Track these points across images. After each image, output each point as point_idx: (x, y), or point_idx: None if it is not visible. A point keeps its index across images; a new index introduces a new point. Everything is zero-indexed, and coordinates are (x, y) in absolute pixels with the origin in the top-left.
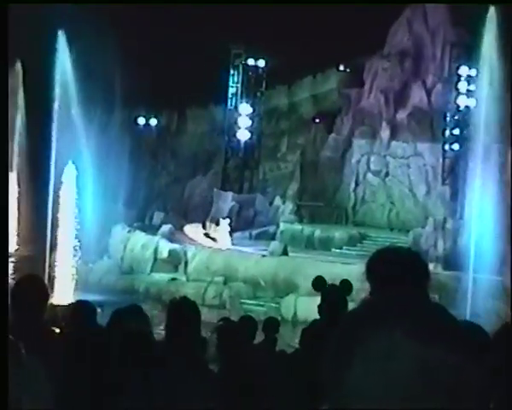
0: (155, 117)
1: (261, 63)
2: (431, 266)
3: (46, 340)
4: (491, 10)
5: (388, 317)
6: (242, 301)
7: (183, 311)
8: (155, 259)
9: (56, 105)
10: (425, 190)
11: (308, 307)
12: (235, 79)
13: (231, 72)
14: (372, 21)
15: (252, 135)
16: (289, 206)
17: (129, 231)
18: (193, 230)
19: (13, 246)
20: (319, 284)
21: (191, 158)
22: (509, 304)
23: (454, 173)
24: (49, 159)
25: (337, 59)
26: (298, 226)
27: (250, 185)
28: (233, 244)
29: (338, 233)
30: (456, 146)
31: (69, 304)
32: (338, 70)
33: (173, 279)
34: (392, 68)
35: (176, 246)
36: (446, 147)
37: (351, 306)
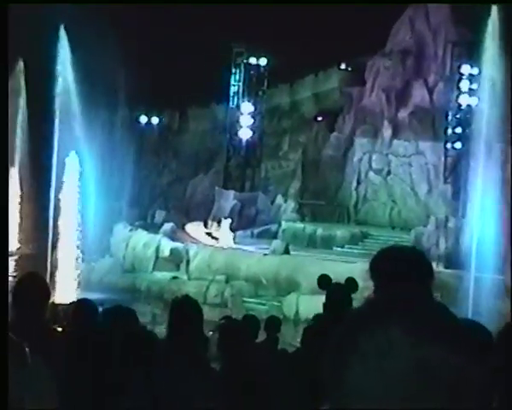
0: (157, 116)
1: (263, 62)
2: (433, 265)
3: (48, 338)
4: (493, 9)
5: (390, 316)
6: (244, 299)
7: (185, 309)
8: (157, 257)
9: (58, 104)
10: (427, 188)
11: (310, 305)
12: (237, 78)
13: (233, 70)
14: (374, 20)
15: (253, 133)
16: (291, 204)
17: (131, 230)
18: (195, 228)
19: (14, 244)
20: (324, 282)
21: (193, 157)
22: (511, 303)
23: (456, 172)
24: (50, 157)
25: (339, 57)
26: (300, 225)
27: (252, 184)
28: (235, 243)
29: (340, 232)
30: (457, 145)
31: (71, 303)
32: (340, 69)
33: (175, 278)
34: (394, 67)
35: (178, 244)
36: (448, 145)
37: (354, 304)
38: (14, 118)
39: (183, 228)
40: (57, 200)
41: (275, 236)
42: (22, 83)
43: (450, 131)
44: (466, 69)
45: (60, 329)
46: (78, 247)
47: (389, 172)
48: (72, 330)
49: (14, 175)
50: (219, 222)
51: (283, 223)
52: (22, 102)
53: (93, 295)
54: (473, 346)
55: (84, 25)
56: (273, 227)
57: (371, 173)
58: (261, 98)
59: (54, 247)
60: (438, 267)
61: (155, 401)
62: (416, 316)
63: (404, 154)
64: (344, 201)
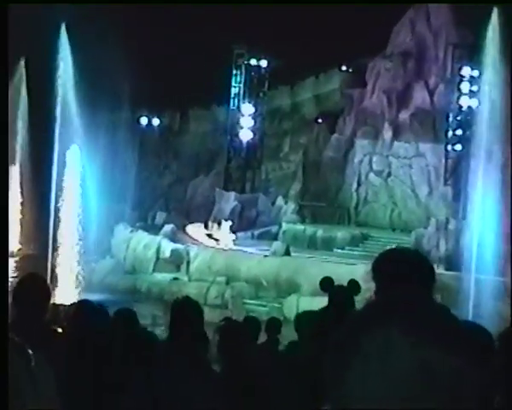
0: (158, 117)
1: (264, 63)
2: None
3: (48, 339)
4: (494, 11)
5: (392, 317)
6: (245, 301)
7: (185, 311)
8: (157, 258)
9: (59, 105)
10: (427, 190)
11: (310, 307)
12: (238, 79)
13: (234, 72)
14: (375, 22)
15: (254, 135)
16: (291, 206)
17: (131, 231)
18: (195, 230)
19: (15, 245)
20: (326, 284)
21: (193, 158)
22: (511, 304)
23: (456, 174)
24: (51, 157)
25: (340, 59)
26: (300, 226)
27: (252, 185)
28: (235, 244)
29: (340, 233)
30: (458, 147)
31: (71, 304)
32: (340, 70)
33: (175, 279)
34: (395, 69)
35: (178, 246)
36: (449, 147)
37: (356, 306)
38: (14, 117)
39: (184, 229)
40: (58, 201)
41: (275, 237)
42: (23, 82)
43: (450, 133)
44: (467, 71)
45: (60, 330)
46: (78, 248)
47: (390, 174)
48: (72, 331)
49: (14, 175)
50: (220, 223)
51: (284, 224)
52: (23, 101)
53: (93, 296)
54: (473, 348)
55: (84, 25)
56: (273, 229)
57: (372, 175)
58: (262, 100)
59: (54, 248)
60: (438, 269)
61: (156, 402)
62: (417, 318)
63: (404, 155)
64: (344, 202)
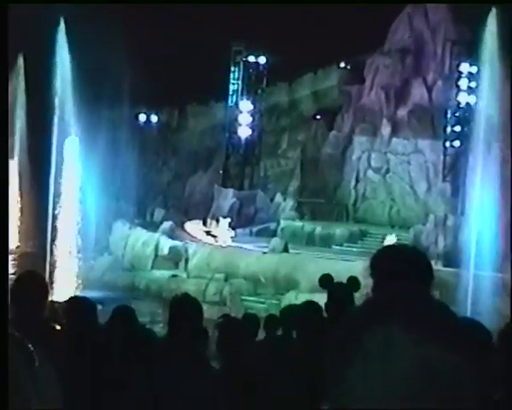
0: (156, 114)
1: (262, 60)
2: (431, 263)
3: (47, 337)
4: (493, 7)
5: (390, 314)
6: (243, 297)
7: (184, 307)
8: (156, 256)
9: (57, 101)
10: (426, 186)
11: None
12: (236, 76)
13: (232, 69)
14: (373, 18)
15: (252, 132)
16: (290, 203)
17: (130, 228)
18: (194, 227)
19: (14, 243)
20: (326, 281)
21: (192, 155)
22: (510, 301)
23: (455, 170)
24: (49, 154)
25: (338, 56)
26: (299, 223)
27: (251, 182)
28: (234, 241)
29: (339, 230)
30: (456, 143)
31: (66, 300)
32: (339, 67)
33: (174, 276)
34: (393, 65)
35: (176, 243)
36: (447, 144)
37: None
38: (13, 114)
39: (182, 226)
40: (56, 198)
41: (274, 234)
42: (22, 78)
43: (449, 129)
44: (465, 67)
45: (59, 327)
46: (77, 245)
47: (388, 171)
48: (70, 328)
49: (13, 172)
50: (218, 220)
51: (282, 221)
52: (21, 97)
53: (92, 294)
54: (472, 344)
55: (83, 22)
56: (272, 225)
57: (370, 172)
58: (260, 96)
59: (53, 245)
60: (437, 265)
61: (156, 399)
62: (416, 315)
63: (403, 152)
64: (343, 199)
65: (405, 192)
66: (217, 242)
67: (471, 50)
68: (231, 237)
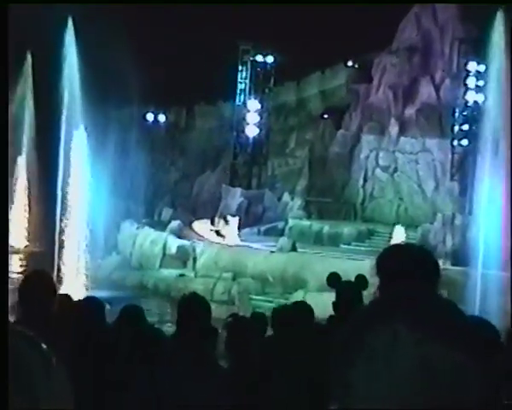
0: (164, 113)
1: (269, 59)
2: (439, 262)
3: (54, 336)
4: (500, 6)
5: (395, 314)
6: (251, 297)
7: (192, 306)
8: (164, 255)
9: (65, 101)
10: (434, 185)
11: (317, 302)
12: (244, 75)
13: (240, 68)
14: (381, 17)
15: (260, 131)
16: (298, 202)
17: (138, 228)
18: (201, 226)
19: (22, 242)
20: (334, 279)
21: (200, 154)
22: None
23: (463, 169)
24: (57, 154)
25: (345, 55)
26: (306, 222)
27: (258, 181)
28: (241, 240)
29: (346, 229)
30: (464, 142)
31: (77, 300)
32: (346, 66)
33: (182, 275)
34: (401, 64)
35: (184, 242)
36: (455, 142)
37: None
38: (21, 113)
39: (190, 226)
40: (64, 198)
41: (282, 233)
42: (30, 77)
43: (456, 128)
44: (473, 66)
45: (66, 326)
46: (85, 244)
47: (396, 170)
48: (76, 327)
49: (21, 172)
50: (226, 219)
51: (290, 220)
52: (30, 96)
53: (100, 293)
54: (479, 343)
55: (91, 21)
56: (280, 225)
57: (378, 171)
58: (268, 96)
59: (61, 244)
60: (445, 264)
61: (159, 400)
62: (422, 314)
63: (410, 151)
64: (351, 198)
65: (413, 191)
66: (224, 241)
67: (479, 49)
68: (239, 236)
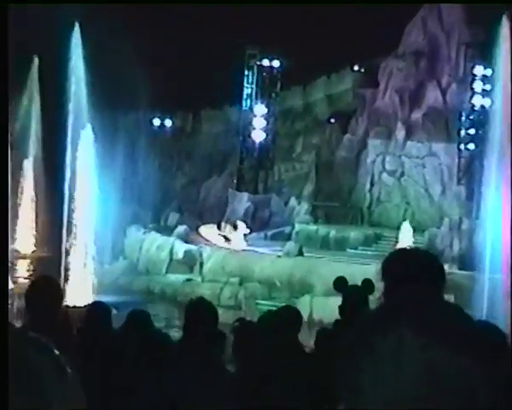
0: (170, 118)
1: (276, 64)
2: (446, 267)
3: (61, 341)
4: (506, 10)
5: (401, 319)
6: (258, 301)
7: (199, 311)
8: (171, 260)
9: (71, 105)
10: (440, 189)
11: (324, 307)
12: (250, 80)
13: (246, 72)
14: (387, 21)
15: (267, 136)
16: (304, 206)
17: (144, 232)
18: (208, 230)
19: (30, 247)
20: (340, 284)
21: (206, 159)
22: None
23: (469, 173)
24: (64, 159)
25: (352, 59)
26: (313, 227)
27: (265, 186)
28: (248, 245)
29: (353, 233)
30: (471, 146)
31: (84, 305)
32: (353, 70)
33: (189, 280)
34: (407, 68)
35: (191, 247)
36: (462, 147)
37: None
38: (28, 116)
39: (197, 230)
40: (71, 203)
41: (288, 238)
42: (36, 81)
43: (463, 132)
44: (479, 70)
45: (74, 332)
46: (91, 249)
47: (402, 174)
48: (83, 332)
49: (28, 177)
50: (233, 224)
51: (297, 225)
52: (36, 100)
53: (107, 298)
54: (486, 348)
55: (98, 25)
56: (287, 229)
57: (384, 175)
58: (274, 100)
59: (67, 250)
60: (451, 269)
61: (165, 405)
62: (428, 319)
63: (417, 155)
64: (357, 202)
65: (420, 195)
66: (230, 245)
67: (485, 53)
68: (246, 241)
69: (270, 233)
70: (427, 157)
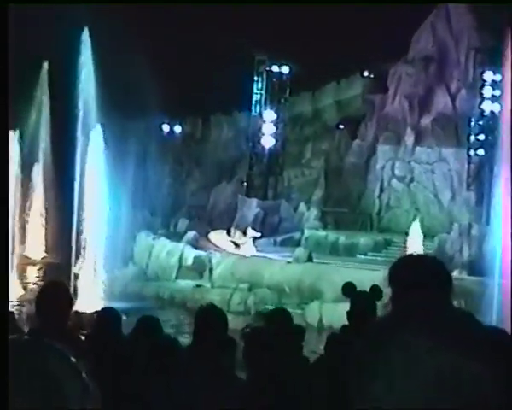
0: (180, 124)
1: (285, 70)
2: (456, 272)
3: (70, 347)
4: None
5: (414, 326)
6: (267, 307)
7: (209, 317)
8: (180, 266)
9: (81, 112)
10: (450, 195)
11: (333, 313)
12: (259, 86)
13: (255, 78)
14: (396, 27)
15: (276, 141)
16: (314, 212)
17: (154, 238)
18: (218, 236)
19: (40, 253)
20: (348, 289)
21: (216, 165)
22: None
23: (479, 179)
24: (73, 164)
25: (361, 65)
26: (322, 233)
27: (275, 192)
28: (258, 251)
29: (363, 239)
30: (480, 151)
31: (94, 311)
32: (362, 76)
33: (198, 286)
34: (417, 74)
35: (201, 253)
36: (471, 152)
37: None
38: (38, 122)
39: (206, 236)
40: (80, 209)
41: (298, 243)
42: (46, 86)
43: (473, 137)
44: (489, 76)
45: (83, 337)
46: (101, 255)
47: (412, 180)
48: (95, 338)
49: (38, 183)
50: (242, 230)
51: (306, 231)
52: (46, 105)
53: (116, 304)
54: (496, 354)
55: (108, 30)
56: (296, 235)
57: (394, 181)
58: (283, 106)
59: (77, 255)
60: (461, 274)
61: None
62: (439, 325)
63: (426, 161)
64: (367, 208)
65: (430, 201)
66: (239, 251)
67: (495, 58)
68: (255, 247)
69: (279, 239)
70: (436, 163)
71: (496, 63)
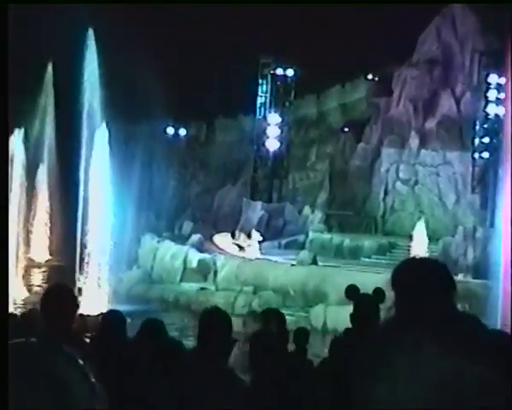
0: (184, 127)
1: (290, 73)
2: (461, 275)
3: (75, 350)
4: None
5: (418, 329)
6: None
7: (213, 320)
8: (185, 268)
9: (85, 113)
10: (454, 198)
11: (338, 316)
12: (264, 89)
13: (260, 81)
14: (401, 30)
15: (281, 144)
16: (318, 215)
17: (158, 241)
18: (222, 239)
19: (44, 256)
20: (352, 292)
21: (220, 168)
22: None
23: (484, 182)
24: (78, 166)
25: (366, 68)
26: (327, 235)
27: (279, 195)
28: (262, 254)
29: (367, 242)
30: (485, 154)
31: (99, 314)
32: (366, 79)
33: (203, 289)
34: (421, 77)
35: (205, 255)
36: (476, 155)
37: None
38: (42, 123)
39: (211, 239)
40: (85, 211)
41: (302, 246)
42: (51, 87)
43: (477, 140)
44: (493, 79)
45: (88, 340)
46: (106, 258)
47: (417, 183)
48: (100, 341)
49: (43, 186)
50: (247, 233)
51: (311, 233)
52: (50, 106)
53: (121, 307)
54: (500, 356)
55: (112, 32)
56: (300, 238)
57: (398, 184)
58: (288, 109)
59: (82, 258)
60: (466, 277)
61: None
62: (443, 329)
63: (431, 164)
64: (371, 211)
65: (434, 204)
66: (244, 254)
67: (500, 61)
68: (259, 250)
69: (284, 242)
70: (441, 166)
71: (500, 66)
